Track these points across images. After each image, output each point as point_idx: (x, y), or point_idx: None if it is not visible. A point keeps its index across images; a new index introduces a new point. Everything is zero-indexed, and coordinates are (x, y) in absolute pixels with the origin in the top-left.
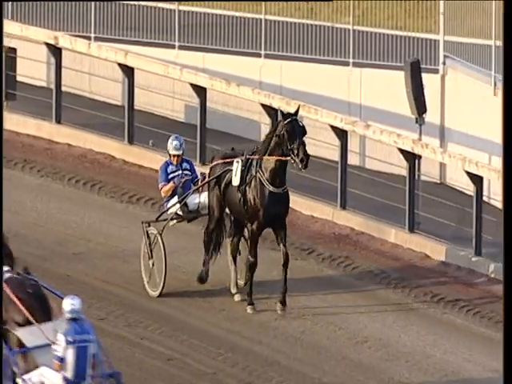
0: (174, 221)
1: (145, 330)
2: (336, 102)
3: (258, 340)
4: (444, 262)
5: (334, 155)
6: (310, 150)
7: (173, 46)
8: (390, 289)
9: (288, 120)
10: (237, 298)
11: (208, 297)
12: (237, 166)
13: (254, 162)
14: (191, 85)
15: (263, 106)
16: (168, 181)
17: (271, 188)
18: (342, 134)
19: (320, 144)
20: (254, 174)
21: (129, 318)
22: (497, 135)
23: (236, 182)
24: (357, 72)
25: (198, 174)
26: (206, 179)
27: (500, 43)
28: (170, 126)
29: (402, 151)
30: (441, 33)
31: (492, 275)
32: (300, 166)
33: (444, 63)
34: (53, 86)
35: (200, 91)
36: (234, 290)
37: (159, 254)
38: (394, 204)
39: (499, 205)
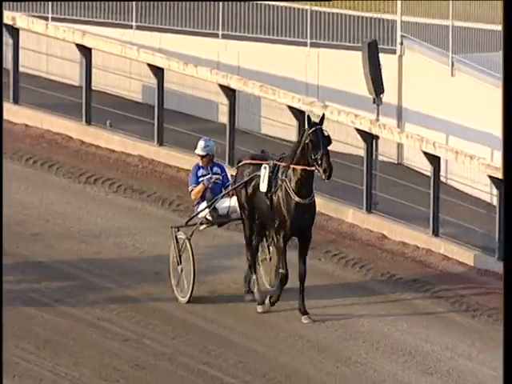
0: (204, 225)
1: (102, 311)
2: (294, 82)
3: (215, 321)
4: (402, 242)
5: (292, 136)
6: (267, 130)
7: (130, 27)
8: (348, 269)
9: (312, 129)
10: (247, 298)
11: (166, 277)
12: (264, 172)
13: (281, 170)
14: (148, 65)
15: (221, 86)
16: (198, 183)
17: (297, 199)
18: (299, 115)
19: (277, 124)
20: (281, 183)
21: (86, 299)
22: (454, 115)
23: (263, 188)
24: (314, 52)
25: (230, 178)
26: (235, 184)
27: (457, 23)
28: (127, 107)
29: (359, 131)
30: (398, 13)
31: (449, 255)
32: (323, 177)
33: (401, 43)
34: (10, 67)
35: (157, 71)
36: (244, 289)
37: (188, 259)
38: (351, 184)
39: (456, 185)
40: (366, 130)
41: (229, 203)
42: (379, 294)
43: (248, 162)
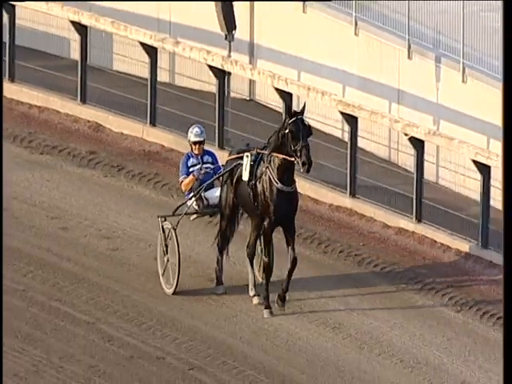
0: (195, 215)
1: None
2: (145, 18)
3: (66, 257)
4: None
5: (144, 72)
6: (118, 67)
7: None
8: None
9: (293, 119)
10: (255, 300)
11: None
12: (246, 161)
13: (265, 158)
14: None
15: (72, 22)
16: (188, 174)
17: (279, 185)
18: (151, 51)
19: (129, 61)
20: (264, 169)
21: None
22: (305, 52)
23: (245, 176)
24: None
25: (222, 167)
26: (220, 173)
27: None
28: None
29: (211, 68)
30: None
31: (301, 191)
32: (302, 170)
33: None
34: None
35: (9, 8)
36: (251, 293)
37: (174, 249)
38: (204, 121)
39: (308, 120)
40: (218, 66)
41: (220, 192)
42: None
43: (234, 157)
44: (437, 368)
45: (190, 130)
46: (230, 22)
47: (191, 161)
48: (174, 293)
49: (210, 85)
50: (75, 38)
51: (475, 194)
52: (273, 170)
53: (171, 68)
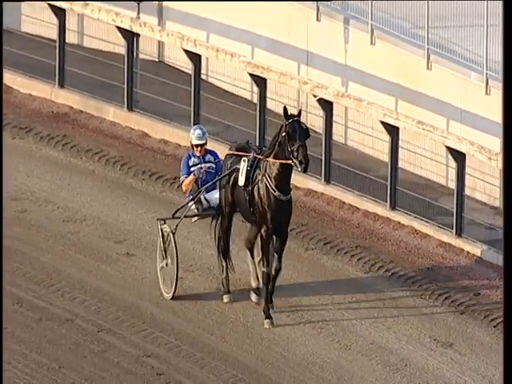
0: (196, 217)
1: None
2: None
3: None
4: (163, 139)
5: (53, 34)
6: (27, 29)
7: None
8: (109, 167)
9: (290, 121)
10: (253, 298)
11: None
12: (243, 166)
13: (261, 164)
14: None
15: None
16: (189, 174)
17: (277, 193)
18: (59, 13)
19: (38, 22)
20: (261, 177)
21: None
22: (214, 14)
23: (241, 181)
24: None
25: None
26: (219, 177)
27: None
28: None
29: (120, 29)
30: None
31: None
32: (299, 169)
33: None
34: None
35: None
36: (254, 284)
37: (172, 253)
38: (112, 82)
39: (217, 82)
40: (127, 28)
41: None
42: (139, 193)
43: (231, 153)
44: (345, 329)
45: (192, 131)
46: None
47: (192, 160)
48: (173, 298)
49: (119, 46)
50: None
51: (383, 155)
52: (270, 178)
53: (80, 29)
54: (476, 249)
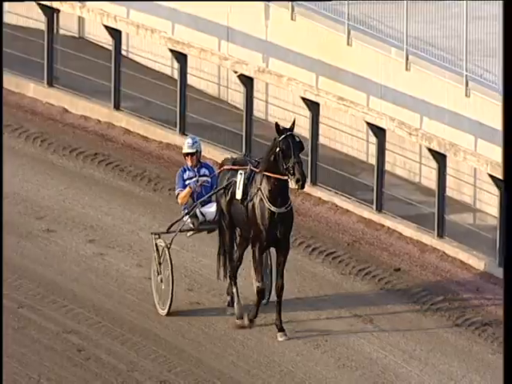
0: (191, 232)
1: None
2: None
3: None
4: (83, 115)
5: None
6: None
7: None
8: (29, 143)
9: (283, 137)
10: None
11: None
12: (240, 179)
13: (257, 177)
14: None
15: None
16: (184, 187)
17: (272, 208)
18: None
19: None
20: (256, 191)
21: None
22: None
23: (239, 195)
24: None
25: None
26: (215, 190)
27: None
28: None
29: (40, 5)
30: None
31: (131, 129)
32: (296, 187)
33: None
34: None
35: None
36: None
37: (167, 269)
38: (32, 58)
39: (137, 58)
40: (47, 4)
41: (215, 208)
42: (60, 169)
43: (228, 168)
44: (266, 306)
45: (186, 140)
46: None
47: (187, 174)
48: (168, 314)
49: (39, 22)
50: None
51: (305, 131)
52: (264, 193)
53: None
54: (396, 224)
